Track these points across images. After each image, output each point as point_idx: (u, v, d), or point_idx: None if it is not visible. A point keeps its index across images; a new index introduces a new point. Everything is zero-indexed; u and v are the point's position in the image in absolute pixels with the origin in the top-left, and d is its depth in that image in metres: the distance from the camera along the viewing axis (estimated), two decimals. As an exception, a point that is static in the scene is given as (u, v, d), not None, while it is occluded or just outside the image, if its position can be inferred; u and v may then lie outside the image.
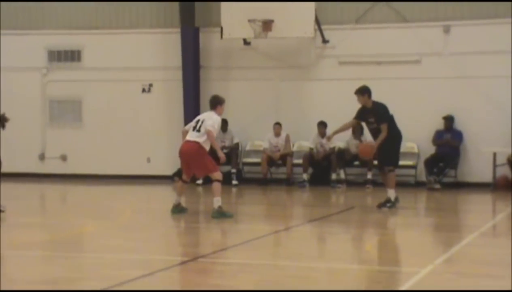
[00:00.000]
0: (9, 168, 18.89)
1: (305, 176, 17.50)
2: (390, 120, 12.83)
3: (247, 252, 9.13)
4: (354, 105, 17.47)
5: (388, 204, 12.80)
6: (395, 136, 12.86)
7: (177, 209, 12.06)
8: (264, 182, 17.65)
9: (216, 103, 12.11)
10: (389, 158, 12.88)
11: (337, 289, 7.03)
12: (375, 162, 17.18)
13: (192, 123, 11.97)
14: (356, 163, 17.50)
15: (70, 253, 8.99)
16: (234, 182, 17.56)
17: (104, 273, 7.93)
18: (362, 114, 12.95)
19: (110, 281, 7.33)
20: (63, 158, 19.53)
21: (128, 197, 16.02)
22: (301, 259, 8.62)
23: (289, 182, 17.64)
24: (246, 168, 18.58)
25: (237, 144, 18.26)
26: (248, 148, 18.59)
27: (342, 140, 17.45)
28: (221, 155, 11.92)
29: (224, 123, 18.04)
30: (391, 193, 12.84)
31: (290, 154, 17.87)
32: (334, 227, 11.70)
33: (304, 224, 11.84)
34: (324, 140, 17.46)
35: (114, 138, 19.20)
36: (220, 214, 11.56)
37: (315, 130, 17.67)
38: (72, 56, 19.52)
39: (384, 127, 12.67)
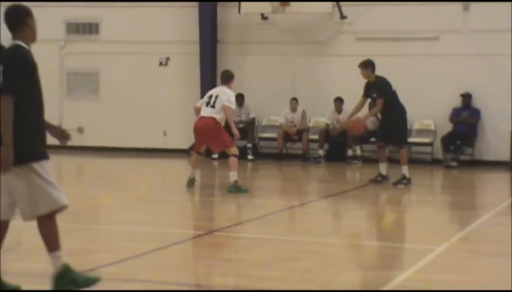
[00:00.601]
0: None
1: (320, 152, 17.49)
2: (392, 96, 12.71)
3: (262, 227, 9.15)
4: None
5: (404, 181, 12.76)
6: (398, 113, 12.77)
7: (192, 183, 12.08)
8: (279, 157, 17.65)
9: (229, 77, 12.04)
10: (397, 137, 12.84)
11: (352, 265, 7.03)
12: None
13: (205, 99, 11.88)
14: (372, 139, 17.43)
15: (85, 225, 9.03)
16: (250, 157, 17.57)
17: (119, 245, 7.97)
18: (367, 90, 12.87)
19: (125, 253, 7.36)
20: (80, 130, 19.60)
21: (144, 170, 16.07)
22: (316, 234, 8.63)
23: (304, 158, 17.63)
24: (261, 143, 18.59)
25: (253, 119, 18.25)
26: (264, 122, 18.58)
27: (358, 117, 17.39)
28: (236, 131, 11.85)
29: (240, 98, 18.03)
30: (405, 170, 12.79)
31: (306, 130, 17.85)
32: (349, 203, 11.70)
33: (319, 200, 11.84)
34: (340, 117, 17.41)
35: (130, 111, 19.23)
36: (236, 188, 11.58)
37: (331, 106, 17.62)
38: (90, 28, 19.52)
39: (379, 101, 12.56)
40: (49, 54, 19.20)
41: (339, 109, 17.47)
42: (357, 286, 6.20)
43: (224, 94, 11.68)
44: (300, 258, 7.39)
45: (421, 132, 17.52)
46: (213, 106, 11.62)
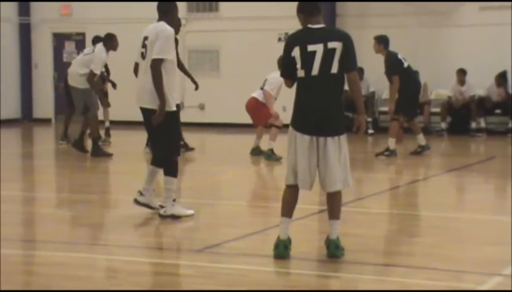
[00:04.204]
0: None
1: (443, 125, 17.13)
2: (402, 72, 12.70)
3: (386, 202, 9.07)
4: (495, 52, 16.92)
5: (386, 153, 12.71)
6: (406, 87, 12.68)
7: (255, 152, 12.93)
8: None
9: None
10: (395, 108, 12.78)
11: (479, 240, 6.87)
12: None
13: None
14: (498, 111, 16.94)
15: (209, 200, 9.19)
16: (370, 131, 17.40)
17: (243, 220, 8.09)
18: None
19: (249, 228, 7.46)
20: (201, 106, 19.92)
21: (264, 145, 16.14)
22: (442, 209, 8.47)
23: (426, 131, 17.23)
24: (382, 117, 18.36)
25: (373, 93, 18.05)
26: (384, 96, 18.31)
27: (482, 88, 16.94)
28: (273, 112, 12.69)
29: (360, 72, 17.85)
30: (391, 142, 12.77)
31: (428, 102, 17.49)
32: (474, 177, 11.42)
33: (443, 174, 11.60)
34: (463, 88, 16.99)
35: (250, 87, 19.18)
36: (269, 156, 12.36)
37: (453, 78, 17.19)
38: (210, 6, 19.76)
39: (394, 79, 12.75)
40: (171, 33, 19.54)
41: (461, 81, 17.03)
42: (486, 261, 6.05)
43: (272, 78, 12.73)
44: (426, 233, 7.29)
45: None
46: (261, 88, 12.88)
